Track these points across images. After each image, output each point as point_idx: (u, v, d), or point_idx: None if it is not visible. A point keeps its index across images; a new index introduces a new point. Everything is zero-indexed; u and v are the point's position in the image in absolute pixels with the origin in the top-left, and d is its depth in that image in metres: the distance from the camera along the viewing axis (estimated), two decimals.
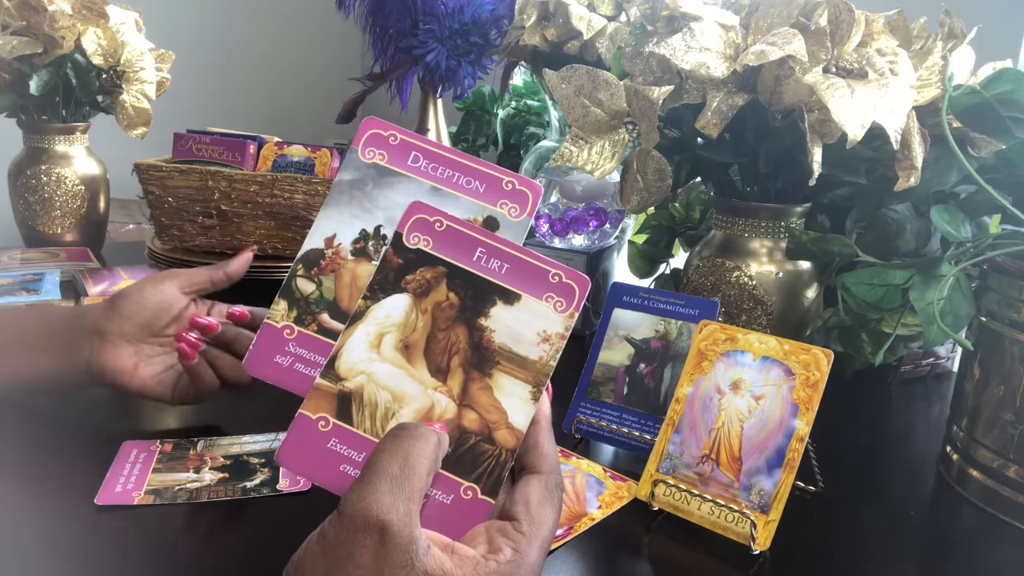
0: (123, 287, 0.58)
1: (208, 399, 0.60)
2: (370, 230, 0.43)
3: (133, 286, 0.56)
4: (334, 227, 0.43)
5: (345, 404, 0.36)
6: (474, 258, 0.38)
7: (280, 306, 0.41)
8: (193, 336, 0.57)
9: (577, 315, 0.37)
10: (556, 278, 0.37)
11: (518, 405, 0.36)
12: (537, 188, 0.43)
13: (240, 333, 0.59)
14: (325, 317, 0.41)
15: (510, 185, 0.43)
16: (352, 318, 0.37)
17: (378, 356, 0.37)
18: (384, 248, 0.38)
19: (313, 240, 0.43)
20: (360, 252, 0.43)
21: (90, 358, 0.55)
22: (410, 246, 0.38)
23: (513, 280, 0.37)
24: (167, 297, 0.56)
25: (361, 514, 0.30)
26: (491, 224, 0.42)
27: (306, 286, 0.42)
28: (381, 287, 0.37)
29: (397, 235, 0.38)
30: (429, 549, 0.31)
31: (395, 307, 0.37)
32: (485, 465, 0.35)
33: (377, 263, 0.38)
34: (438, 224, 0.38)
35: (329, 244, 0.43)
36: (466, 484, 0.35)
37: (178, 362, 0.59)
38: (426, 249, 0.38)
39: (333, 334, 0.41)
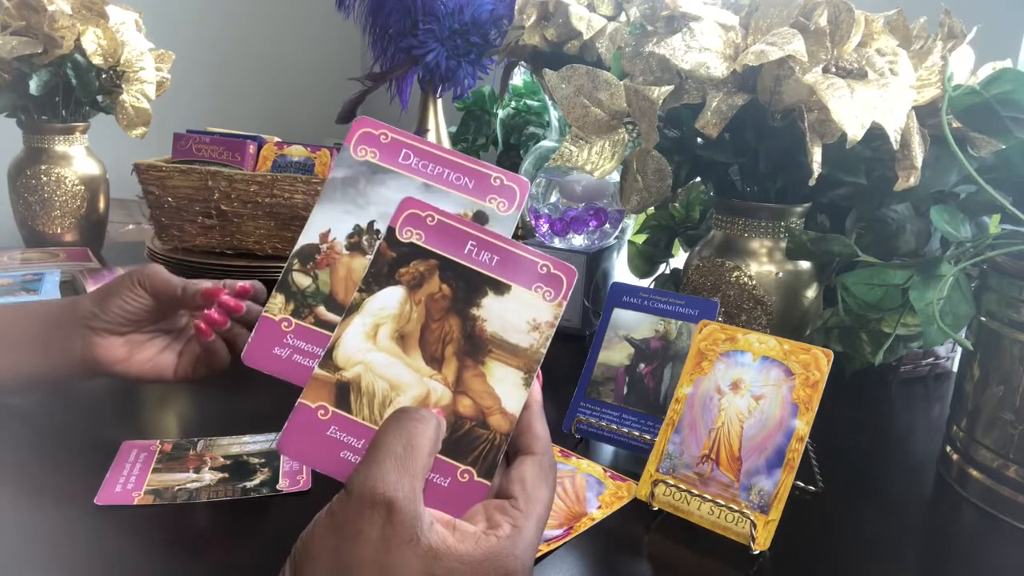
0: (108, 283, 0.58)
1: (213, 376, 0.58)
2: (364, 225, 0.44)
3: (110, 290, 0.56)
4: (328, 223, 0.44)
5: (343, 393, 0.37)
6: (465, 251, 0.39)
7: (277, 299, 0.42)
8: (217, 314, 0.55)
9: (565, 304, 0.38)
10: (544, 269, 0.39)
11: (511, 391, 0.37)
12: (524, 183, 0.44)
13: (260, 310, 0.58)
14: (322, 310, 0.42)
15: (498, 181, 0.44)
16: (348, 310, 0.38)
17: (374, 346, 0.38)
18: (378, 242, 0.39)
19: (308, 235, 0.44)
20: (354, 246, 0.44)
21: (83, 353, 0.55)
22: (403, 240, 0.39)
23: (503, 271, 0.39)
24: (143, 301, 0.56)
25: (369, 491, 0.31)
26: (481, 218, 0.43)
27: (302, 280, 0.43)
28: (376, 280, 0.39)
29: (390, 230, 0.39)
30: (432, 525, 0.32)
31: (390, 299, 0.38)
32: (480, 448, 0.36)
33: (371, 257, 0.39)
34: (430, 219, 0.39)
35: (324, 239, 0.44)
36: (463, 467, 0.36)
37: (172, 343, 0.58)
38: (419, 243, 0.39)
39: (330, 326, 0.42)
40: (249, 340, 0.41)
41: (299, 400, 0.37)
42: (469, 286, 0.38)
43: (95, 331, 0.55)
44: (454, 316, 0.38)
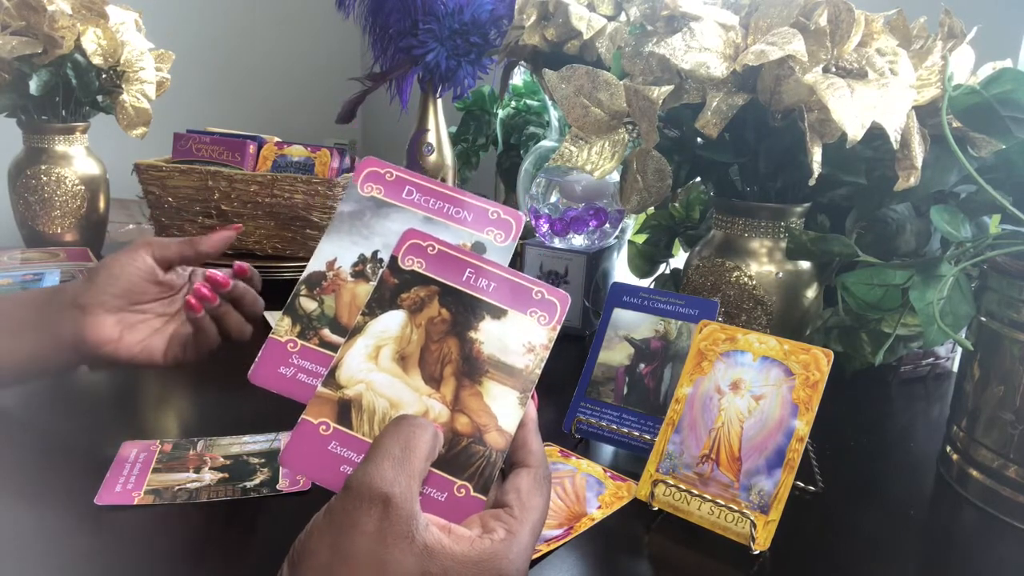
0: (101, 260, 0.58)
1: (204, 358, 0.57)
2: (368, 255, 0.46)
3: (108, 259, 0.57)
4: (335, 252, 0.46)
5: (345, 410, 0.38)
6: (463, 278, 0.41)
7: (284, 322, 0.44)
8: (206, 290, 0.55)
9: (559, 328, 0.40)
10: (539, 295, 0.41)
11: (507, 409, 0.38)
12: (519, 217, 0.47)
13: (247, 290, 0.58)
14: (326, 332, 0.44)
15: (495, 214, 0.47)
16: (351, 332, 0.40)
17: (376, 366, 0.39)
18: (381, 270, 0.41)
19: (315, 264, 0.46)
20: (359, 274, 0.46)
21: (74, 333, 0.55)
22: (405, 268, 0.41)
23: (499, 297, 0.41)
24: (142, 268, 0.56)
25: (366, 486, 0.32)
26: (479, 249, 0.46)
27: (309, 304, 0.45)
28: (379, 304, 0.40)
29: (393, 258, 0.41)
30: (428, 526, 0.33)
31: (391, 322, 0.40)
32: (477, 465, 0.37)
33: (375, 283, 0.41)
34: (430, 248, 0.41)
35: (330, 267, 0.46)
36: (459, 482, 0.37)
37: (164, 326, 0.58)
38: (420, 270, 0.41)
39: (333, 347, 0.43)
40: (256, 360, 0.43)
41: (302, 416, 0.38)
42: (467, 310, 0.40)
43: (84, 309, 0.55)
44: (453, 338, 0.40)
